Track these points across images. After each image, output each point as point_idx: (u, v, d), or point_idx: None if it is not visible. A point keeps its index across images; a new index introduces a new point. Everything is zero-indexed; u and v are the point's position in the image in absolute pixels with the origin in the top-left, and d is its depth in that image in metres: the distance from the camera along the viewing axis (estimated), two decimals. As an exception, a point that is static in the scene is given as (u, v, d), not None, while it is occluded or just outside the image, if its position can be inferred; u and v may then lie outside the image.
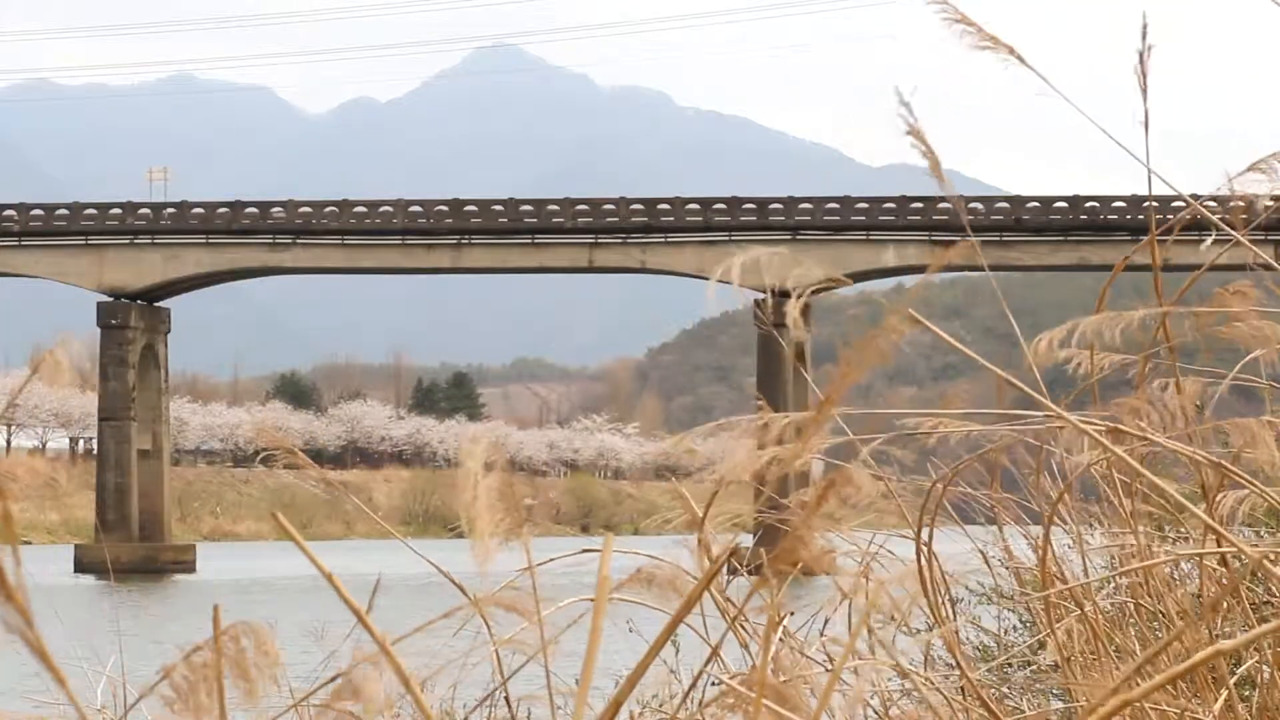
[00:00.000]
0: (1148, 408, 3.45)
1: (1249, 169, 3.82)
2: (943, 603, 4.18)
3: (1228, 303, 3.59)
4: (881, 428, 3.75)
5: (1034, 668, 5.24)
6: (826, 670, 4.40)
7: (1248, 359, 3.98)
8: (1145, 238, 3.97)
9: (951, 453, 4.02)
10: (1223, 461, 3.48)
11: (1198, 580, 4.37)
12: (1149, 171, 3.92)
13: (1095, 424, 3.35)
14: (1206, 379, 3.93)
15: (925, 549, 3.77)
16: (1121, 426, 3.27)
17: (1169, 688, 3.89)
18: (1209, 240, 3.83)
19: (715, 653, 3.30)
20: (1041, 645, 6.98)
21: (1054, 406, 3.41)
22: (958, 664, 3.69)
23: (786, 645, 3.76)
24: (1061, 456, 4.17)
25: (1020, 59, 3.56)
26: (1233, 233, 3.84)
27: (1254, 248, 3.80)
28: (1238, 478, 3.53)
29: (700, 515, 3.17)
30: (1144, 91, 3.79)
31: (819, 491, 2.10)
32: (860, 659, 3.85)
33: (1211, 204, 3.91)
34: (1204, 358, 3.93)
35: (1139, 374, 3.80)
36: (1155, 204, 4.04)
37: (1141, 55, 3.72)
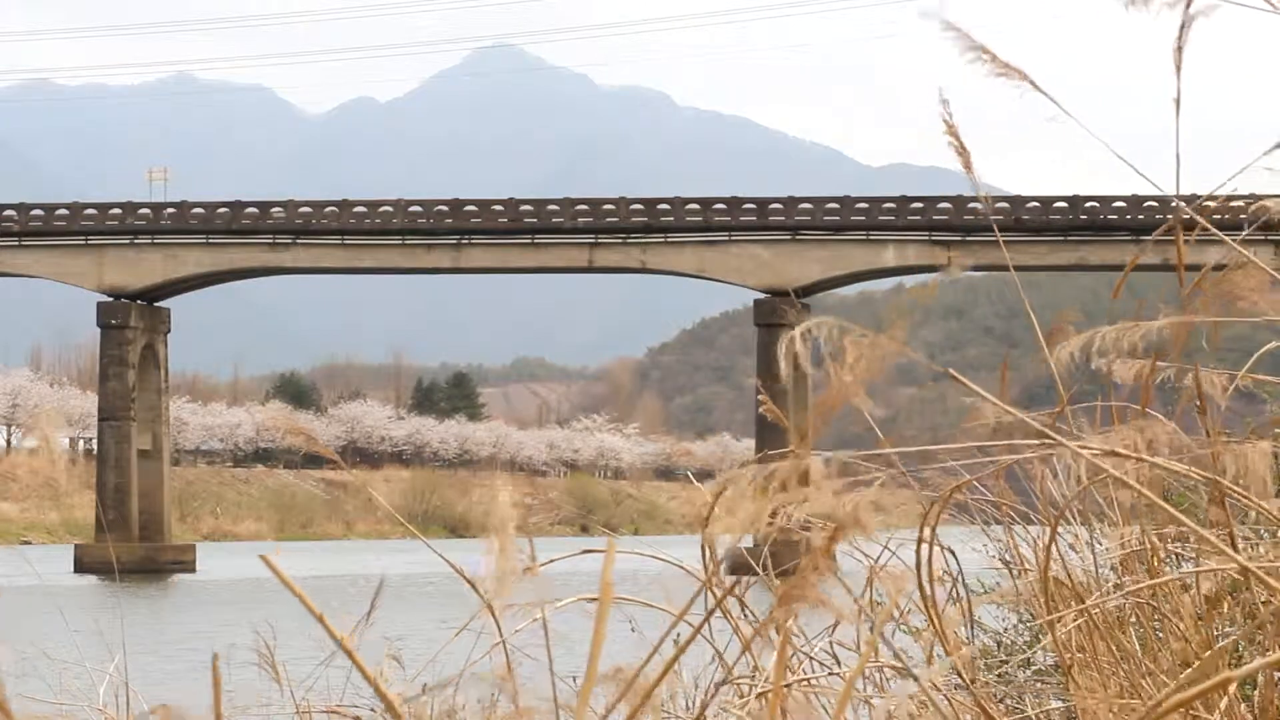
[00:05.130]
0: (1150, 425, 3.45)
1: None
2: (946, 607, 4.17)
3: (1236, 280, 3.56)
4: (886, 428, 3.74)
5: (1035, 668, 5.24)
6: (832, 673, 4.40)
7: (1256, 356, 3.96)
8: (1147, 238, 3.97)
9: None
10: (1221, 480, 3.47)
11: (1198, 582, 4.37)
12: (1177, 160, 3.90)
13: (1092, 448, 3.34)
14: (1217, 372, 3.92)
15: (927, 555, 3.77)
16: (1119, 451, 3.26)
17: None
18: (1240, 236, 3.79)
19: (719, 655, 3.30)
20: (1039, 640, 6.98)
21: (1056, 437, 3.39)
22: (959, 674, 3.68)
23: (792, 648, 3.76)
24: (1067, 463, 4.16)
25: (1034, 85, 3.48)
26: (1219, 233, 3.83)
27: (1251, 248, 3.80)
28: (1238, 496, 3.52)
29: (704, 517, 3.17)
30: (1178, 68, 3.72)
31: (825, 540, 2.09)
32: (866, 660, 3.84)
33: (1211, 203, 3.89)
34: (1211, 346, 3.90)
35: (1144, 386, 3.78)
36: (1156, 203, 4.03)
37: (1182, 26, 3.64)
